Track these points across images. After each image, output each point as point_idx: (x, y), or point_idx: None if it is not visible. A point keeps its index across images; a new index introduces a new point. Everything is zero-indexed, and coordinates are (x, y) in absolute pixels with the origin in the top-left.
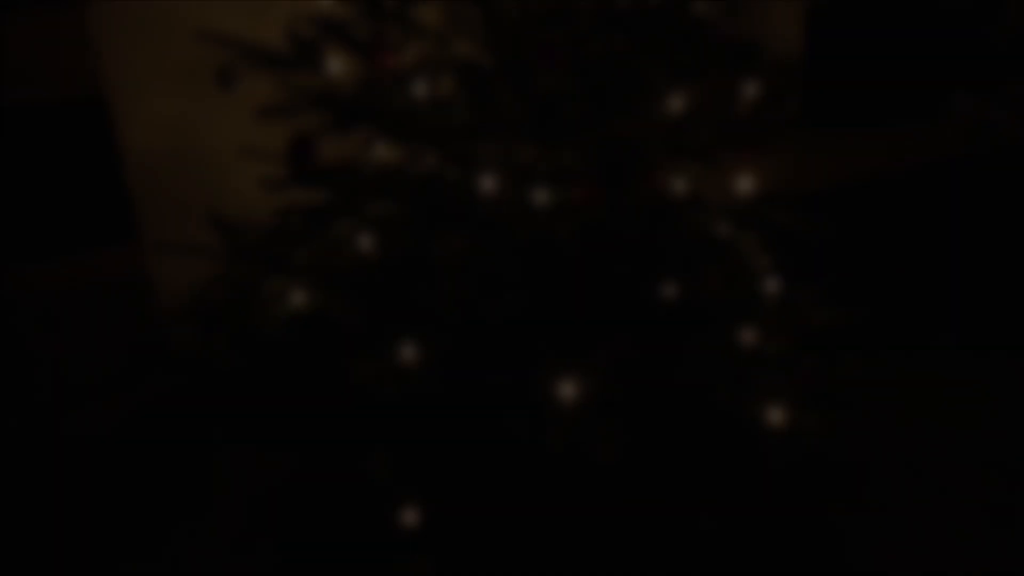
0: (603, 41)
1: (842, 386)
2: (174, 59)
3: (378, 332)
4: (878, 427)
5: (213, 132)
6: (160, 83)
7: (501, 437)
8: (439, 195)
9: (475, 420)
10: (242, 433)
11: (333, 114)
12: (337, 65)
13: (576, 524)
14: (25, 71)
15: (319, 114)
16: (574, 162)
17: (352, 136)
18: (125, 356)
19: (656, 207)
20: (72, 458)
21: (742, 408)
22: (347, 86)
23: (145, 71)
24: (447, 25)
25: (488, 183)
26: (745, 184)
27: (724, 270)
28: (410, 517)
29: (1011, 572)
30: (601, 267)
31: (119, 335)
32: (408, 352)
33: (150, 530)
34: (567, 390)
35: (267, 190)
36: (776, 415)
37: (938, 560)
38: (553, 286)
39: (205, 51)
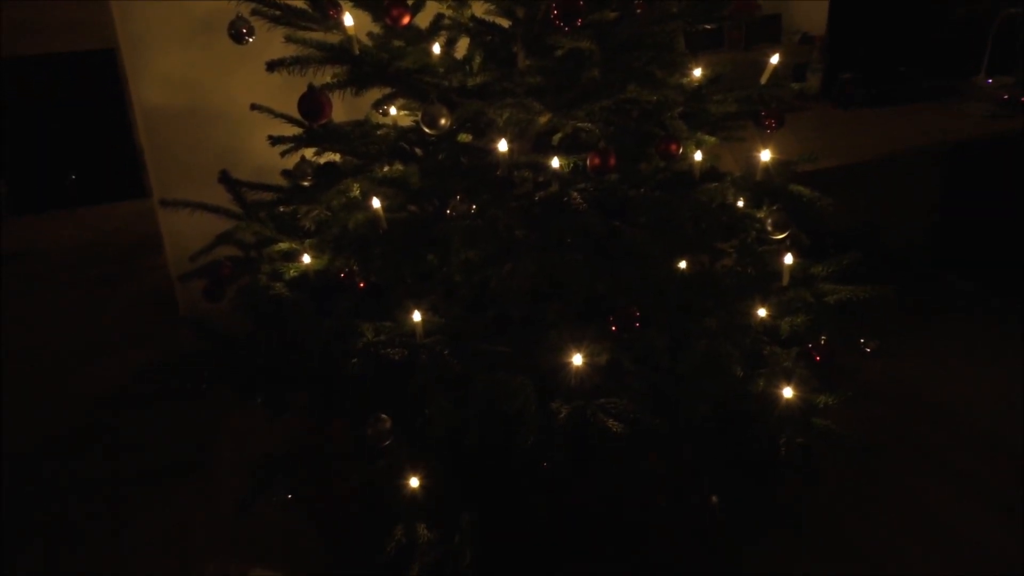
0: (622, 5)
1: (857, 365)
2: (186, 14)
3: (387, 295)
4: (892, 407)
5: (224, 89)
6: (172, 38)
7: (508, 405)
8: (452, 157)
9: (482, 387)
10: (248, 392)
11: (347, 72)
12: (352, 22)
13: (582, 497)
14: (36, 23)
15: (333, 71)
16: (590, 127)
17: (365, 95)
18: (135, 312)
19: (672, 176)
20: (80, 413)
21: (754, 385)
22: (362, 43)
23: (157, 26)
24: None
25: (502, 146)
26: (764, 157)
27: (740, 243)
28: (413, 483)
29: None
30: (613, 235)
31: (129, 291)
32: (417, 316)
33: (156, 485)
34: (576, 359)
35: (278, 149)
36: (788, 393)
37: (940, 548)
38: (564, 253)
39: (217, 5)
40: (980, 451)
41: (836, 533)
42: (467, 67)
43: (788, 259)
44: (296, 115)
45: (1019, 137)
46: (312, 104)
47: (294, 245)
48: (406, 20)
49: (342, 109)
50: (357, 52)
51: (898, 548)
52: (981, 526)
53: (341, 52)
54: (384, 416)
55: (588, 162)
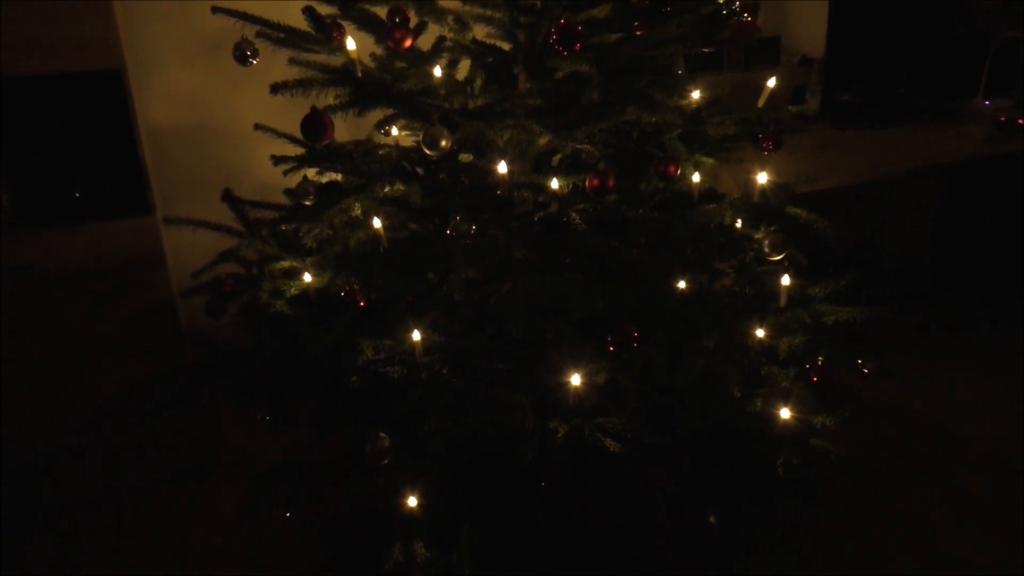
0: (622, 28)
1: (856, 384)
2: (191, 34)
3: (388, 312)
4: (891, 425)
5: (229, 108)
6: (177, 58)
7: (507, 422)
8: (453, 177)
9: (481, 405)
10: (248, 404)
11: (349, 93)
12: (354, 44)
13: (582, 513)
14: (43, 43)
15: (335, 92)
16: (589, 149)
17: (368, 115)
18: (137, 326)
19: (671, 197)
20: (82, 424)
21: (752, 405)
22: (364, 65)
23: (162, 45)
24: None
25: (503, 167)
26: (762, 179)
27: (738, 264)
28: (410, 501)
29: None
30: (613, 255)
31: (132, 305)
32: (417, 335)
33: (156, 497)
34: (574, 378)
35: (280, 168)
36: (785, 414)
37: (939, 566)
38: (564, 272)
39: (223, 26)
40: (980, 469)
41: (835, 550)
42: (468, 89)
43: (785, 280)
44: (299, 135)
45: (1019, 158)
46: (315, 126)
47: (295, 263)
48: (408, 43)
49: (344, 129)
50: (360, 74)
51: (897, 566)
52: (980, 544)
53: (344, 74)
54: (383, 435)
55: (587, 183)
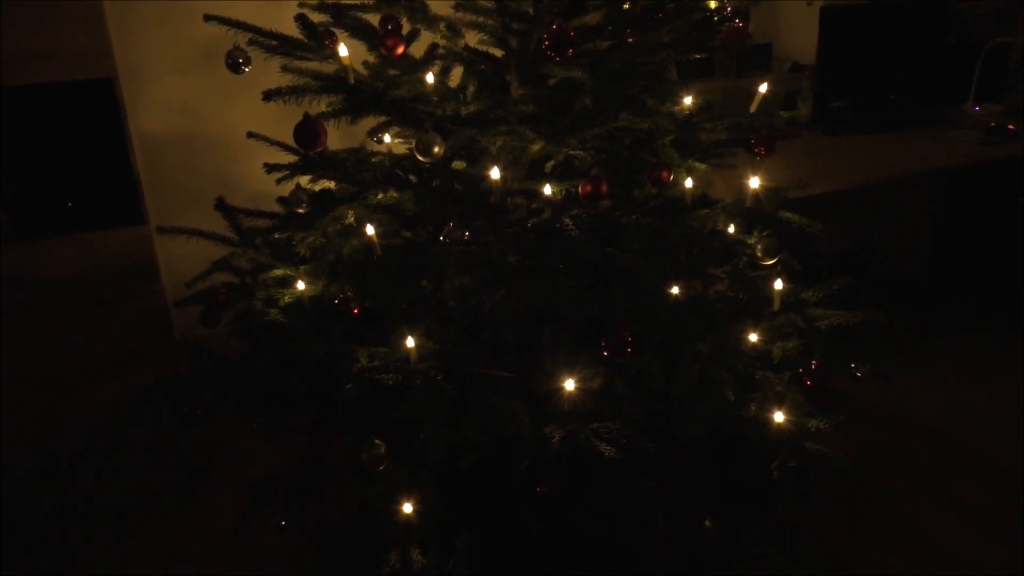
0: (615, 34)
1: (851, 389)
2: (184, 43)
3: (382, 320)
4: (888, 429)
5: (221, 117)
6: (170, 67)
7: (503, 429)
8: (446, 184)
9: (477, 411)
10: (245, 414)
11: (342, 101)
12: (347, 51)
13: (579, 518)
14: (35, 52)
15: (328, 100)
16: (582, 155)
17: (360, 123)
18: (131, 336)
19: (664, 203)
20: (78, 435)
21: (747, 409)
22: (357, 73)
23: (155, 54)
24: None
25: (496, 173)
26: (754, 184)
27: (731, 269)
28: (407, 508)
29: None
30: (607, 261)
31: (126, 315)
32: (411, 342)
33: (155, 507)
34: (569, 384)
35: (274, 176)
36: (780, 418)
37: (936, 571)
38: (558, 278)
39: (215, 35)
40: (976, 473)
41: (832, 553)
42: (461, 96)
43: (778, 284)
44: (292, 143)
45: (1013, 162)
46: (308, 133)
47: (289, 271)
48: (401, 50)
49: (337, 137)
50: (352, 81)
51: (895, 569)
52: (978, 547)
53: (337, 81)
54: (379, 441)
55: (580, 189)
